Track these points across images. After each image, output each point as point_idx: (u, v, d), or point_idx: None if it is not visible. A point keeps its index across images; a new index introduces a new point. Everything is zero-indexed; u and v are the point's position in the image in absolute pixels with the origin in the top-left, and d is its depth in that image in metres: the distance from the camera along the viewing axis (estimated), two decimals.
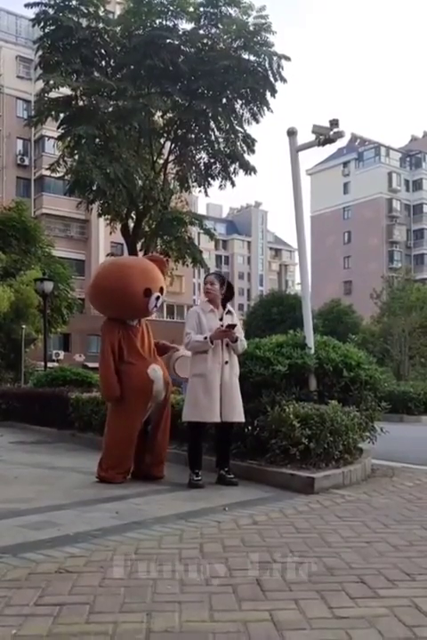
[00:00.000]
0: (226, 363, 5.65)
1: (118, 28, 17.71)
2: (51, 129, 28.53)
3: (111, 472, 5.85)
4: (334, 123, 6.76)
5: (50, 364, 21.56)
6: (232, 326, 5.62)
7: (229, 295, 5.98)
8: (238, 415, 5.69)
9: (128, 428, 5.84)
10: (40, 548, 3.54)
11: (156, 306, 6.09)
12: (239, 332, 5.80)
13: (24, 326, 25.08)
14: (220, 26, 17.49)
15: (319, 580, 2.98)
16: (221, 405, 5.57)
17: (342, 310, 53.65)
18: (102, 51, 17.91)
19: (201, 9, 17.33)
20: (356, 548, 3.57)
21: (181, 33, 17.64)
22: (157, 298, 6.04)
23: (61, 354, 43.64)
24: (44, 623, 2.45)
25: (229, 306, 5.95)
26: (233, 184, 19.26)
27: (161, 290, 6.14)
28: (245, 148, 18.72)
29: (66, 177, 18.79)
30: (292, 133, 7.15)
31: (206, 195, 20.32)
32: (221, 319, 5.76)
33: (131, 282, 5.96)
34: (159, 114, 18.60)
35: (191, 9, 17.40)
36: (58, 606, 2.63)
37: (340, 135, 6.87)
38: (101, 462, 5.96)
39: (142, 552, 3.47)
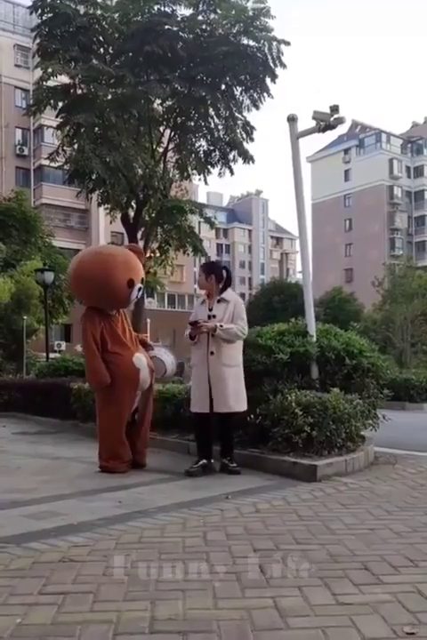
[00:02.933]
0: (211, 354, 5.63)
1: (116, 15, 17.59)
2: (50, 118, 28.43)
3: (113, 462, 5.88)
4: (335, 109, 6.72)
5: (51, 355, 21.55)
6: (193, 323, 5.65)
7: (226, 282, 5.91)
8: (229, 406, 5.65)
9: (119, 416, 5.90)
10: (44, 537, 3.55)
11: (137, 296, 6.17)
12: (234, 320, 5.68)
13: (25, 317, 25.05)
14: (218, 11, 17.37)
15: (323, 568, 2.99)
16: (212, 396, 5.60)
17: (343, 298, 53.66)
18: (100, 38, 17.80)
19: None
20: (359, 535, 3.57)
21: (179, 19, 17.52)
22: (139, 289, 6.13)
23: (63, 344, 43.63)
24: (48, 612, 2.46)
25: (224, 294, 5.84)
26: (232, 172, 19.21)
27: (142, 281, 6.21)
28: (244, 136, 18.64)
29: (65, 166, 18.72)
30: (292, 120, 7.10)
31: (206, 183, 20.26)
32: (211, 309, 5.77)
33: (115, 272, 5.98)
34: (158, 101, 18.51)
35: None
36: (62, 595, 2.63)
37: (340, 121, 6.83)
38: (100, 453, 6.00)
39: (146, 541, 3.48)
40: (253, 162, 18.84)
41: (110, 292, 5.98)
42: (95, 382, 6.04)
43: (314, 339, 6.57)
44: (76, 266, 6.35)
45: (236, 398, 5.68)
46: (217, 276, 5.87)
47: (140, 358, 6.03)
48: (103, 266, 6.07)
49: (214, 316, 5.69)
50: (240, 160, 18.90)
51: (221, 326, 5.56)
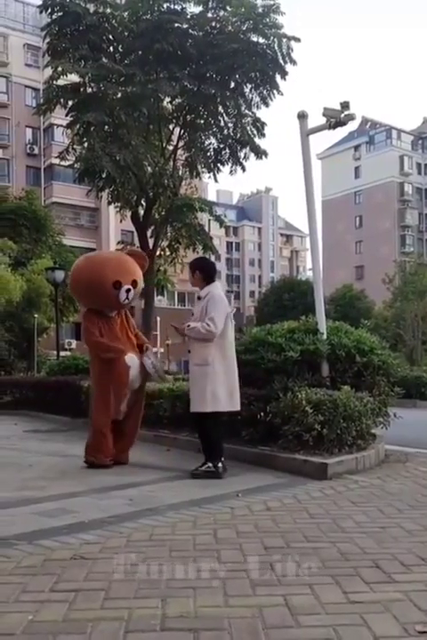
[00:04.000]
0: (189, 352, 5.70)
1: (126, 13, 17.58)
2: (60, 117, 28.46)
3: (99, 456, 6.10)
4: (345, 105, 6.69)
5: (62, 353, 21.61)
6: (174, 326, 5.74)
7: (206, 278, 5.77)
8: (192, 406, 5.63)
9: (107, 413, 6.12)
10: (55, 535, 3.57)
11: (127, 298, 6.28)
12: (204, 319, 5.50)
13: (36, 315, 25.19)
14: (228, 8, 17.31)
15: (334, 566, 2.98)
16: None
17: (353, 296, 53.51)
18: (110, 36, 17.80)
19: None
20: (370, 533, 3.56)
21: (189, 16, 17.49)
22: (128, 290, 6.24)
23: (73, 342, 43.74)
24: (60, 609, 2.47)
25: (203, 290, 5.73)
26: (243, 169, 19.15)
27: (134, 283, 6.34)
28: (255, 132, 18.59)
29: (75, 165, 18.76)
30: (302, 117, 7.08)
31: (216, 181, 20.30)
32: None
33: (100, 275, 6.25)
34: (168, 99, 18.49)
35: None
36: (73, 592, 2.64)
37: (351, 118, 6.79)
38: (88, 448, 6.21)
39: (156, 539, 3.49)
40: (265, 156, 18.76)
41: (98, 293, 6.26)
42: (117, 354, 6.10)
43: (324, 336, 6.56)
44: (72, 270, 6.76)
45: (200, 399, 5.53)
46: (200, 271, 5.81)
47: (133, 358, 6.20)
48: (92, 269, 6.45)
49: (193, 315, 5.76)
50: (251, 157, 18.86)
51: (189, 326, 5.56)
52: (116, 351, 6.09)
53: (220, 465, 5.48)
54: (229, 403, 5.56)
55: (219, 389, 5.50)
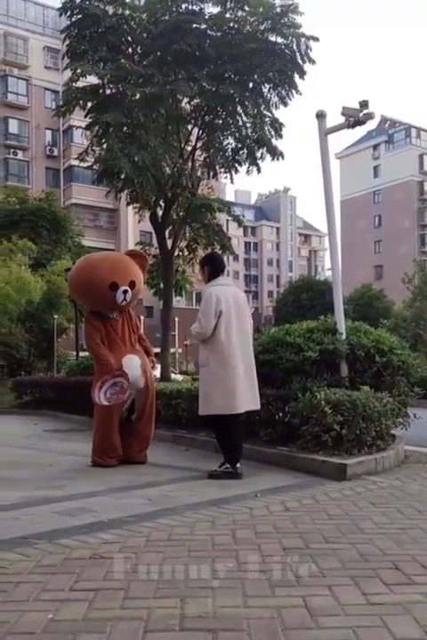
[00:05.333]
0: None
1: (144, 15, 17.62)
2: (79, 119, 28.63)
3: (103, 456, 6.18)
4: (364, 104, 6.65)
5: (81, 354, 21.75)
6: None
7: (211, 270, 5.69)
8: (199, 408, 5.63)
9: (107, 414, 6.15)
10: (74, 534, 3.59)
11: (124, 299, 6.30)
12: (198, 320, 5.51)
13: (56, 316, 25.40)
14: (246, 8, 17.26)
15: (353, 567, 2.96)
16: None
17: (373, 295, 53.23)
18: (129, 38, 17.86)
19: None
20: (390, 534, 3.53)
21: (207, 17, 17.48)
22: (125, 291, 6.27)
23: None
24: (80, 608, 2.48)
25: (203, 289, 5.70)
26: (259, 170, 19.11)
27: (131, 284, 6.35)
28: (272, 133, 18.54)
29: (94, 166, 18.85)
30: (321, 116, 7.06)
31: (232, 182, 20.21)
32: None
33: (96, 277, 6.30)
34: (186, 100, 18.50)
35: None
36: (93, 591, 2.65)
37: (370, 117, 6.75)
38: (93, 448, 6.30)
39: (175, 538, 3.49)
40: (282, 158, 18.70)
41: (94, 295, 6.34)
42: (109, 372, 6.19)
43: (343, 336, 6.53)
44: (71, 274, 6.94)
45: (203, 400, 5.53)
46: (208, 266, 5.77)
47: (132, 359, 6.24)
48: (88, 271, 6.52)
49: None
50: (268, 157, 18.81)
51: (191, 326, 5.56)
52: (105, 365, 6.14)
53: (238, 465, 5.41)
54: (225, 405, 5.36)
55: (213, 391, 5.39)
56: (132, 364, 6.22)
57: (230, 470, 5.40)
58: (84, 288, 6.52)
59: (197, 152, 19.24)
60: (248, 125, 18.60)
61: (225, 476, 5.36)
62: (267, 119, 18.34)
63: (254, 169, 19.03)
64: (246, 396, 5.46)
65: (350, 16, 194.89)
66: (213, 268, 5.71)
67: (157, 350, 18.86)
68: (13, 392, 17.63)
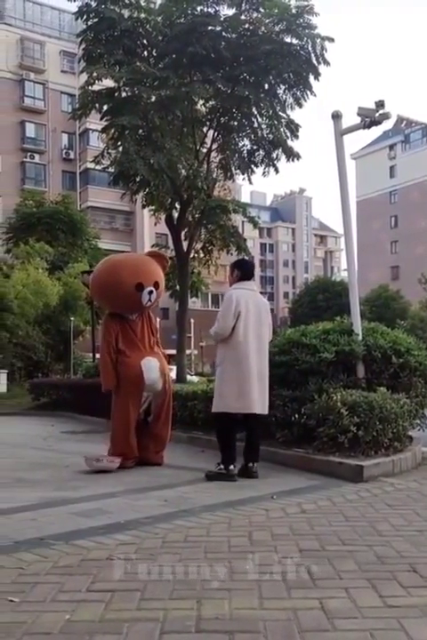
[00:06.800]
0: None
1: (160, 18, 17.68)
2: (95, 122, 28.84)
3: (120, 459, 6.14)
4: (380, 104, 6.62)
5: (98, 355, 21.86)
6: None
7: (241, 274, 5.73)
8: None
9: (124, 416, 6.17)
10: (91, 535, 3.60)
11: (149, 300, 6.31)
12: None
13: (72, 318, 25.52)
14: (261, 10, 17.26)
15: (370, 569, 2.95)
16: None
17: (389, 296, 52.89)
18: (144, 41, 17.92)
19: None
20: (407, 536, 3.51)
21: (222, 19, 17.50)
22: (150, 292, 6.27)
23: None
24: (97, 609, 2.49)
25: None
26: (277, 170, 19.06)
27: (156, 284, 6.36)
28: (288, 134, 18.50)
29: (110, 168, 18.94)
30: (336, 117, 7.05)
31: (250, 182, 20.16)
32: None
33: (121, 278, 6.27)
34: (201, 102, 18.53)
35: None
36: (109, 593, 2.66)
37: (386, 117, 6.72)
38: (109, 449, 6.33)
39: (191, 540, 3.49)
40: (298, 159, 18.65)
41: (119, 296, 6.31)
42: (103, 384, 6.36)
43: (360, 337, 6.50)
44: (93, 275, 6.85)
45: (216, 398, 5.58)
46: (238, 269, 5.79)
47: (150, 361, 6.24)
48: (112, 271, 6.47)
49: None
50: (284, 158, 18.76)
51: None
52: (104, 373, 6.28)
53: (231, 467, 5.40)
54: (236, 404, 5.41)
55: (226, 389, 5.45)
56: (151, 365, 6.23)
57: (223, 471, 5.40)
58: (108, 289, 6.45)
59: (213, 154, 19.25)
60: (264, 127, 18.58)
61: (219, 476, 5.36)
62: (282, 120, 18.30)
63: (272, 169, 19.01)
64: (257, 399, 5.47)
65: (364, 15, 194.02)
66: (241, 273, 5.74)
67: (173, 352, 18.97)
68: (31, 394, 17.75)
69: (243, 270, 5.77)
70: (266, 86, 17.81)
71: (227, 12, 17.65)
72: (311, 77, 17.55)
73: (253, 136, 18.73)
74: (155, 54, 18.13)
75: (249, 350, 5.44)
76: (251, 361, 5.43)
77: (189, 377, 20.29)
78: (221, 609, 2.48)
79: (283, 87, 17.99)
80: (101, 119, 18.74)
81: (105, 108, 18.23)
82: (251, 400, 5.42)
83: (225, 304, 5.56)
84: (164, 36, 17.54)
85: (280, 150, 18.55)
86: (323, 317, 9.11)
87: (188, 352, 28.36)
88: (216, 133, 19.02)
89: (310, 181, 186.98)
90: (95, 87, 17.94)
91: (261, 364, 5.53)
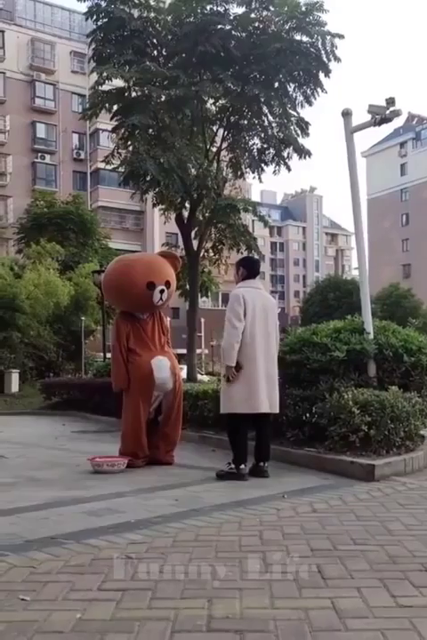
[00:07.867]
0: None
1: (169, 17, 17.68)
2: (105, 122, 28.86)
3: (131, 458, 6.18)
4: (391, 101, 6.59)
5: (109, 355, 21.92)
6: None
7: (246, 272, 5.68)
8: None
9: (135, 415, 6.19)
10: (102, 534, 3.61)
11: (161, 299, 6.34)
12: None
13: (83, 318, 25.60)
14: (271, 8, 17.20)
15: (382, 569, 2.93)
16: None
17: (400, 294, 52.63)
18: (154, 40, 17.93)
19: None
20: (419, 536, 3.49)
21: (232, 17, 17.47)
22: (162, 291, 6.30)
23: None
24: (108, 608, 2.50)
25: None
26: (288, 168, 19.00)
27: (167, 283, 6.39)
28: (299, 132, 18.44)
29: (120, 168, 18.97)
30: (346, 114, 7.02)
31: (260, 181, 20.07)
32: None
33: (133, 277, 6.31)
34: (211, 101, 18.51)
35: None
36: (120, 591, 2.67)
37: (396, 114, 6.69)
38: (120, 448, 6.37)
39: (202, 539, 3.49)
40: (309, 156, 18.59)
41: (131, 295, 6.34)
42: (114, 383, 6.44)
43: (371, 336, 6.47)
44: (105, 274, 6.93)
45: (223, 399, 5.54)
46: (243, 268, 5.74)
47: (161, 360, 6.26)
48: (124, 271, 6.52)
49: None
50: (295, 156, 18.70)
51: None
52: (116, 370, 6.34)
53: (242, 466, 5.38)
54: (244, 405, 5.35)
55: (233, 390, 5.38)
56: (162, 365, 6.26)
57: (234, 471, 5.37)
58: (120, 288, 6.48)
59: (223, 152, 19.24)
60: (274, 125, 18.53)
61: (230, 476, 5.34)
62: (293, 118, 18.25)
63: (283, 168, 18.95)
64: (266, 398, 5.41)
65: (375, 11, 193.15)
66: (247, 271, 5.69)
67: (184, 351, 18.98)
68: (42, 394, 17.83)
69: (248, 268, 5.73)
70: (276, 85, 17.75)
71: (236, 10, 17.62)
72: (322, 75, 17.49)
73: (263, 134, 18.69)
74: (164, 54, 18.14)
75: (256, 351, 5.38)
76: (258, 362, 5.38)
77: (199, 376, 20.29)
78: (231, 608, 2.47)
79: (293, 85, 17.93)
80: (111, 119, 18.76)
81: (115, 107, 18.25)
82: (259, 401, 5.37)
83: (232, 303, 5.45)
84: (173, 36, 17.54)
85: (291, 148, 18.49)
86: (334, 316, 9.08)
87: (198, 351, 28.36)
88: (226, 132, 19.00)
89: (321, 180, 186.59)
90: (105, 87, 17.97)
91: (268, 363, 5.48)
